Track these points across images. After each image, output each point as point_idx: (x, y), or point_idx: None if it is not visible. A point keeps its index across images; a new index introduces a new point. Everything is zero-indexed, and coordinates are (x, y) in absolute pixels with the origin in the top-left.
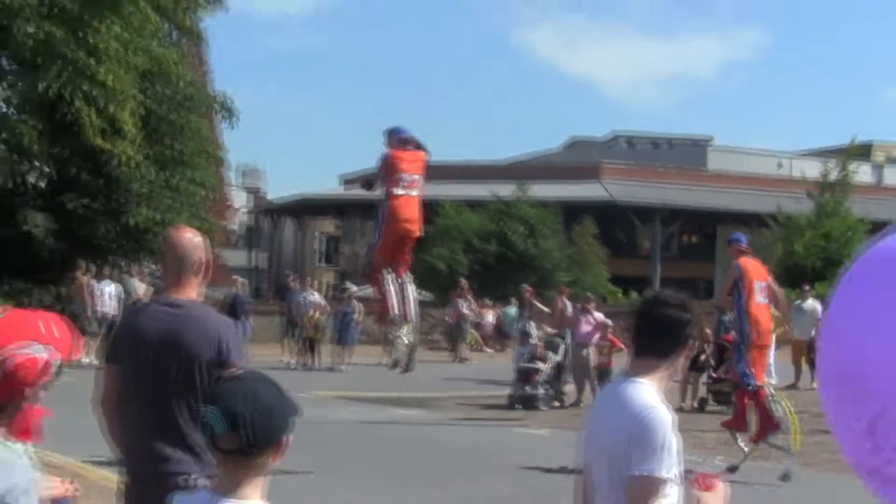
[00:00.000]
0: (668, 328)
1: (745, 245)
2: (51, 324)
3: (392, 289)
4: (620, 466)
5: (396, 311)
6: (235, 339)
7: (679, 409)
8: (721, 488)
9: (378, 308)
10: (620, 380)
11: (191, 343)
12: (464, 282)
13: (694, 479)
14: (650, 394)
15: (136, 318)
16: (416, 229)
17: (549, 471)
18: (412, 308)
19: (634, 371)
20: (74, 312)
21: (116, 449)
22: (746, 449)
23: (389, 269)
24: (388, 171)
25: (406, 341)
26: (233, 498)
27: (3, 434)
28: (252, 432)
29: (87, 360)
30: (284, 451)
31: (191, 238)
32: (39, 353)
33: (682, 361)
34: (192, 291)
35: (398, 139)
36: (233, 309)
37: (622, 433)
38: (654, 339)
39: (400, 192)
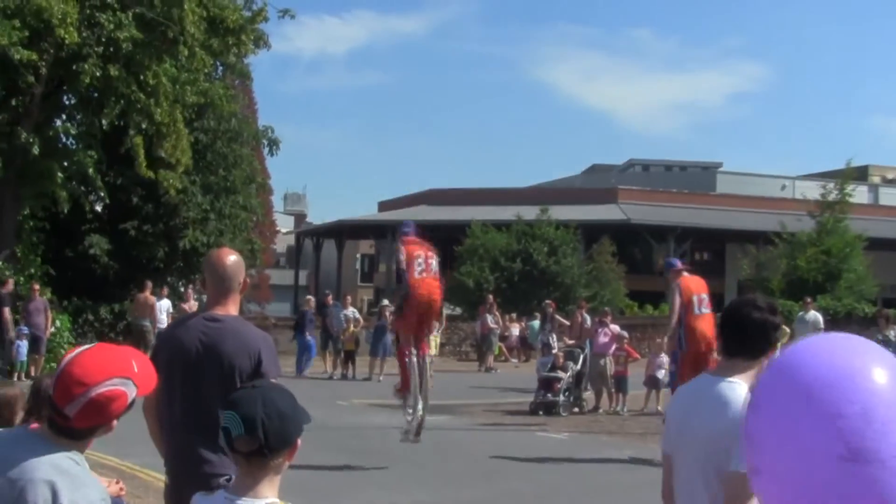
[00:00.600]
0: (760, 330)
1: (681, 265)
2: (139, 360)
3: (414, 368)
4: (720, 462)
5: (413, 390)
6: (271, 351)
7: None
8: None
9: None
10: (712, 379)
11: (228, 354)
12: (490, 297)
13: None
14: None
15: (176, 330)
16: (437, 300)
17: (567, 471)
18: (427, 386)
19: (728, 371)
20: (140, 328)
21: (160, 450)
22: None
23: (414, 348)
24: (406, 260)
25: (419, 415)
26: (250, 496)
27: (76, 452)
28: (266, 435)
29: None
30: (295, 452)
31: (231, 258)
32: (130, 389)
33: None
34: (233, 307)
35: (406, 235)
36: (300, 323)
37: (724, 431)
38: (747, 341)
39: (418, 274)
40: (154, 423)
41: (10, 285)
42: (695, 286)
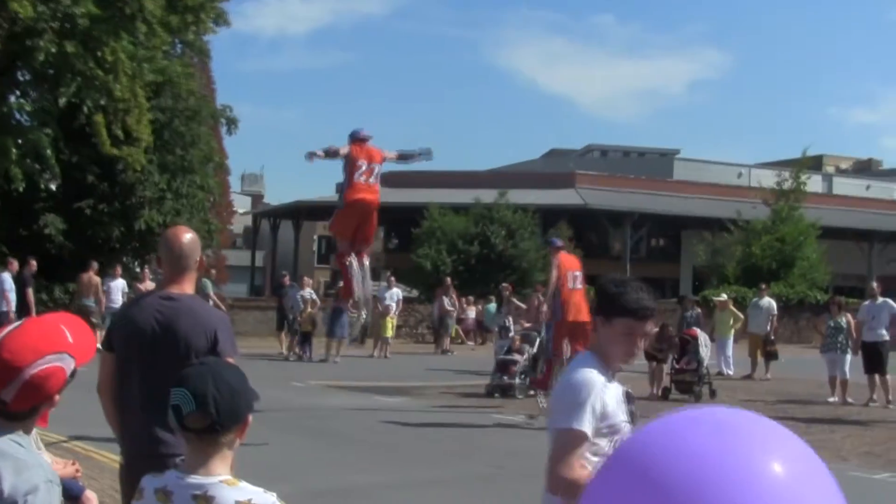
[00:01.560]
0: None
1: (560, 244)
2: (74, 329)
3: (356, 273)
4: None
5: (358, 296)
6: (227, 330)
7: (647, 398)
8: None
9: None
10: (581, 357)
11: (184, 333)
12: (448, 280)
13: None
14: (582, 361)
15: (130, 309)
16: (374, 200)
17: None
18: (369, 292)
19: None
20: (84, 307)
21: (115, 431)
22: (543, 405)
23: (353, 256)
24: (348, 164)
25: (362, 321)
26: (201, 474)
27: (20, 433)
28: (218, 410)
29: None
30: (247, 429)
31: (187, 237)
32: (66, 362)
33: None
34: (188, 286)
35: (355, 138)
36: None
37: (554, 393)
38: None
39: (358, 178)
40: (109, 403)
41: (34, 266)
42: (570, 263)
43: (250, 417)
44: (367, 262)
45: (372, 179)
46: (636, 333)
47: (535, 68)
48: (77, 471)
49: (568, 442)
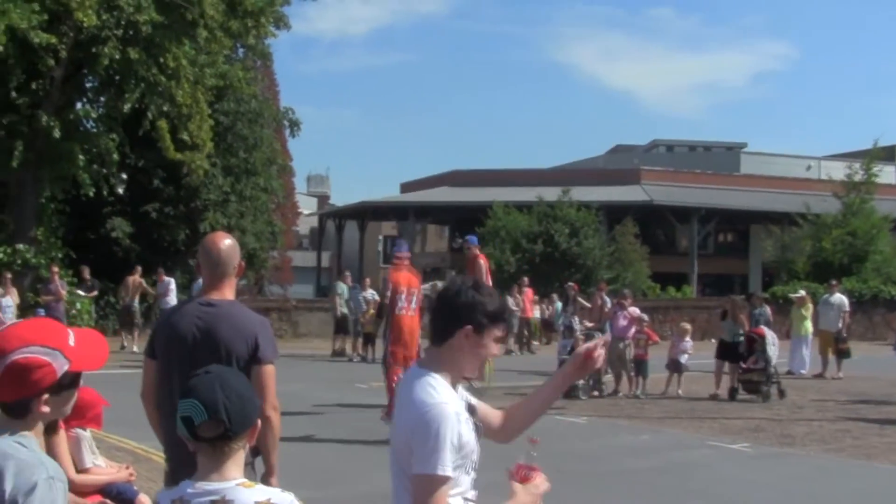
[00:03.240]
0: (438, 313)
1: (477, 244)
2: (84, 337)
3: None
4: (405, 461)
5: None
6: (268, 335)
7: (713, 397)
8: (539, 481)
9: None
10: (413, 371)
11: (224, 339)
12: (524, 279)
13: (512, 471)
14: (435, 387)
15: (171, 316)
16: (416, 322)
17: (584, 454)
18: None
19: (426, 361)
20: (125, 308)
21: (159, 438)
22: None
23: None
24: (391, 293)
25: None
26: (215, 479)
27: (23, 433)
28: (229, 418)
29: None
30: (256, 433)
31: (226, 242)
32: (57, 360)
33: (468, 345)
34: (229, 292)
35: (398, 258)
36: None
37: (405, 428)
38: (436, 325)
39: (400, 311)
40: (152, 410)
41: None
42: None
43: (259, 422)
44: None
45: (413, 305)
46: (500, 337)
47: (595, 64)
48: (131, 475)
49: (431, 489)
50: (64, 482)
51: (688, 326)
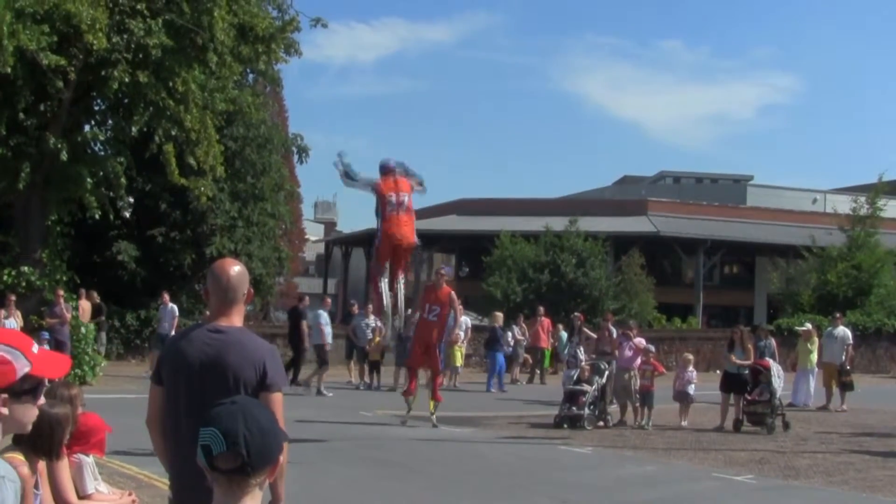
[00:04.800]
0: None
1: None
2: (47, 352)
3: (385, 293)
4: None
5: (385, 309)
6: (276, 361)
7: (718, 429)
8: None
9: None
10: None
11: (233, 366)
12: (541, 309)
13: None
14: None
15: (179, 342)
16: (403, 237)
17: (589, 485)
18: (400, 308)
19: None
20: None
21: (164, 464)
22: None
23: (386, 279)
24: (379, 199)
25: (379, 331)
26: None
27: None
28: (249, 451)
29: None
30: (277, 470)
31: (235, 269)
32: (18, 360)
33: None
34: (237, 319)
35: (382, 170)
36: (492, 339)
37: None
38: None
39: (391, 212)
40: (157, 436)
41: (307, 301)
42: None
43: (281, 459)
44: (401, 284)
45: (402, 211)
46: None
47: (604, 95)
48: (133, 501)
49: None
50: (15, 482)
51: (690, 357)
